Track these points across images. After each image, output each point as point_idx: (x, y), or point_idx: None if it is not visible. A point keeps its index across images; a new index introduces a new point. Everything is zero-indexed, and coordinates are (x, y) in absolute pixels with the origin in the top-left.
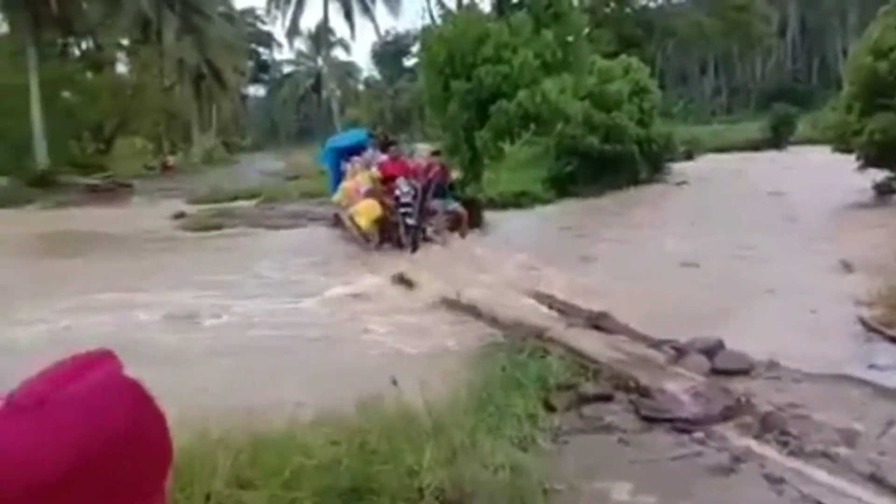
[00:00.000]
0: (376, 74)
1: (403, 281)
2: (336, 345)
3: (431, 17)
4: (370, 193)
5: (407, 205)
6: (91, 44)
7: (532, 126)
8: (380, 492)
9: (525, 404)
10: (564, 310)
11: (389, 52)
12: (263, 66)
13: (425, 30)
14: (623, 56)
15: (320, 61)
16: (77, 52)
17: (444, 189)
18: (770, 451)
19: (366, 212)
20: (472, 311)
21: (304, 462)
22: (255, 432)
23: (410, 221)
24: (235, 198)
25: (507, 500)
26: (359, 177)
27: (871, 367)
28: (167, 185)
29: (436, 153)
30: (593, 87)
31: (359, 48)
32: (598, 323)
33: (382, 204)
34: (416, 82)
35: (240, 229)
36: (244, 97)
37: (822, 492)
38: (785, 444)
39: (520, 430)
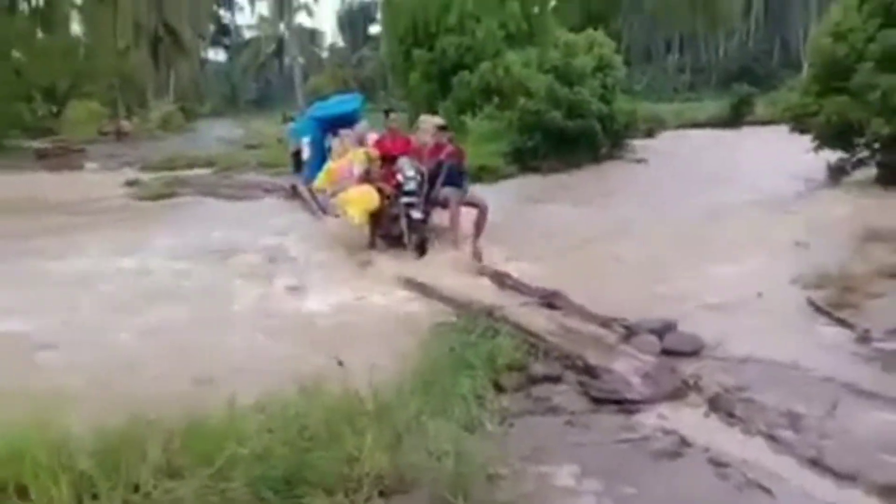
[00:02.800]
0: (341, 42)
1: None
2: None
3: None
4: (365, 177)
5: (411, 193)
6: (42, 1)
7: (495, 99)
8: (316, 482)
9: (473, 385)
10: (518, 288)
11: (354, 19)
12: (225, 30)
13: None
14: (589, 30)
15: (283, 26)
16: (27, 10)
17: (459, 174)
18: (716, 434)
19: (359, 200)
20: (426, 289)
21: (237, 450)
22: (190, 417)
23: (416, 215)
24: (191, 165)
25: (450, 487)
26: (350, 155)
27: (818, 348)
28: (121, 151)
29: (443, 128)
30: (557, 61)
31: (323, 13)
32: (551, 301)
33: (380, 192)
34: (380, 51)
35: (195, 198)
36: (204, 62)
37: (765, 476)
38: (731, 425)
39: (467, 412)
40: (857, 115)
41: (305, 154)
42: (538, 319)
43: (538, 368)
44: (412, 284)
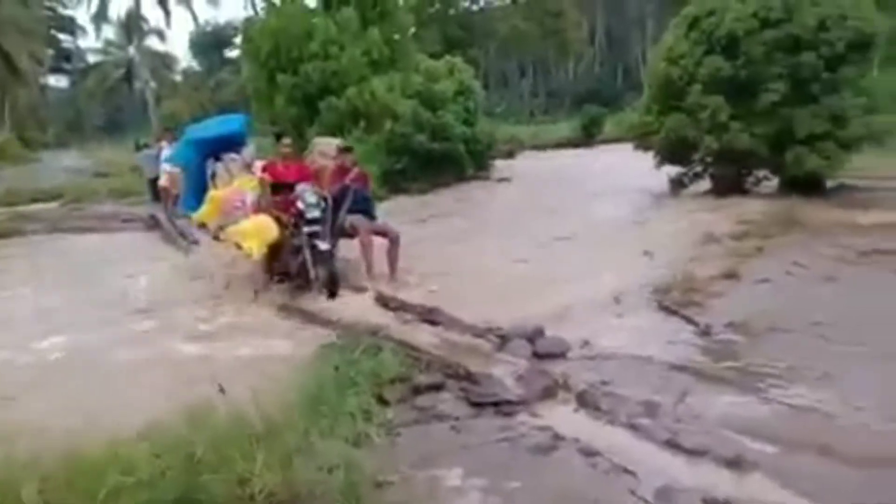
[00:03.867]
0: (195, 65)
1: None
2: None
3: (254, 7)
4: (258, 206)
5: (315, 221)
6: None
7: (362, 123)
8: (208, 503)
9: (358, 401)
10: (398, 307)
11: (209, 43)
12: (65, 55)
13: (248, 21)
14: (448, 57)
15: (132, 50)
16: None
17: (366, 200)
18: (585, 427)
19: (256, 232)
20: (307, 315)
21: (122, 480)
22: (70, 452)
23: (323, 245)
24: (35, 199)
25: (342, 497)
26: (238, 183)
27: (669, 343)
28: None
29: (346, 149)
30: (420, 86)
31: (175, 38)
32: (430, 317)
33: (278, 221)
34: (240, 75)
35: (42, 236)
36: (43, 87)
37: (629, 460)
38: (598, 418)
39: (353, 428)
40: (692, 132)
41: (163, 181)
42: (419, 334)
43: (421, 379)
44: (292, 310)
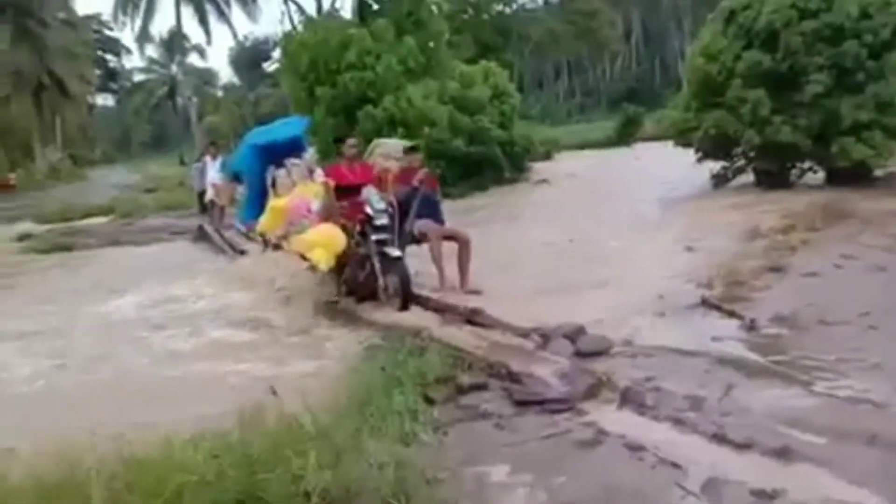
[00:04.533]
0: (236, 80)
1: None
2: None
3: (291, 22)
4: (325, 214)
5: (383, 228)
6: None
7: (400, 130)
8: (268, 501)
9: (405, 401)
10: (441, 308)
11: (248, 58)
12: (112, 75)
13: (286, 35)
14: (483, 61)
15: (174, 68)
16: None
17: (433, 203)
18: (630, 422)
19: (325, 242)
20: (351, 316)
21: (184, 479)
22: (129, 456)
23: (394, 252)
24: (87, 215)
25: (392, 493)
26: (300, 189)
27: (713, 339)
28: (8, 205)
29: (413, 149)
30: (456, 92)
31: (216, 54)
32: (472, 318)
33: (345, 230)
34: (279, 88)
35: (98, 249)
36: (92, 107)
37: (676, 453)
38: (642, 414)
39: (401, 427)
40: (733, 127)
41: (210, 194)
42: (461, 335)
43: (465, 379)
44: (334, 313)
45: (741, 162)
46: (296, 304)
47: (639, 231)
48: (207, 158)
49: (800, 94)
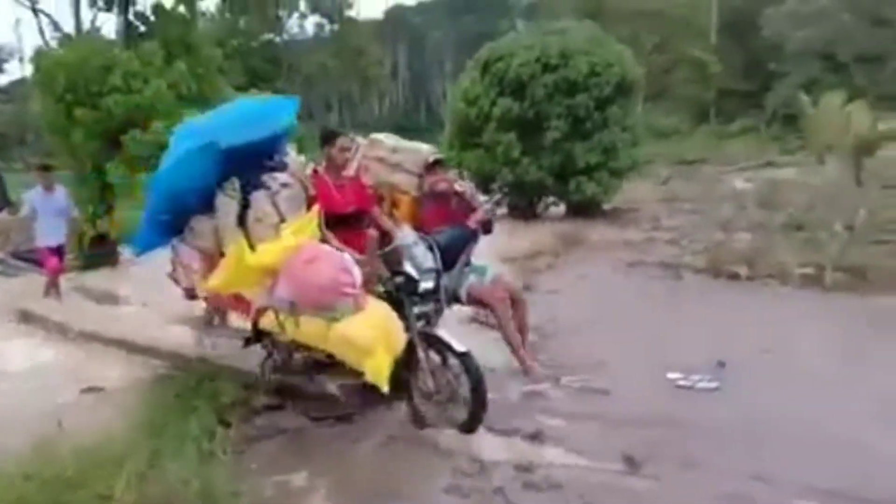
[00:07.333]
0: None
1: None
2: None
3: (42, 37)
4: (368, 279)
5: (429, 295)
6: None
7: None
8: None
9: (201, 424)
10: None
11: None
12: None
13: (38, 52)
14: (254, 90)
15: None
16: None
17: (473, 241)
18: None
19: (384, 337)
20: (126, 345)
21: None
22: None
23: (459, 348)
24: None
25: None
26: (292, 230)
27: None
28: None
29: (438, 163)
30: None
31: None
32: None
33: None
34: (14, 104)
35: None
36: None
37: (456, 445)
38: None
39: (200, 449)
40: (489, 165)
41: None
42: (251, 358)
43: (262, 400)
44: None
45: (498, 197)
46: None
47: None
48: None
49: (543, 138)
